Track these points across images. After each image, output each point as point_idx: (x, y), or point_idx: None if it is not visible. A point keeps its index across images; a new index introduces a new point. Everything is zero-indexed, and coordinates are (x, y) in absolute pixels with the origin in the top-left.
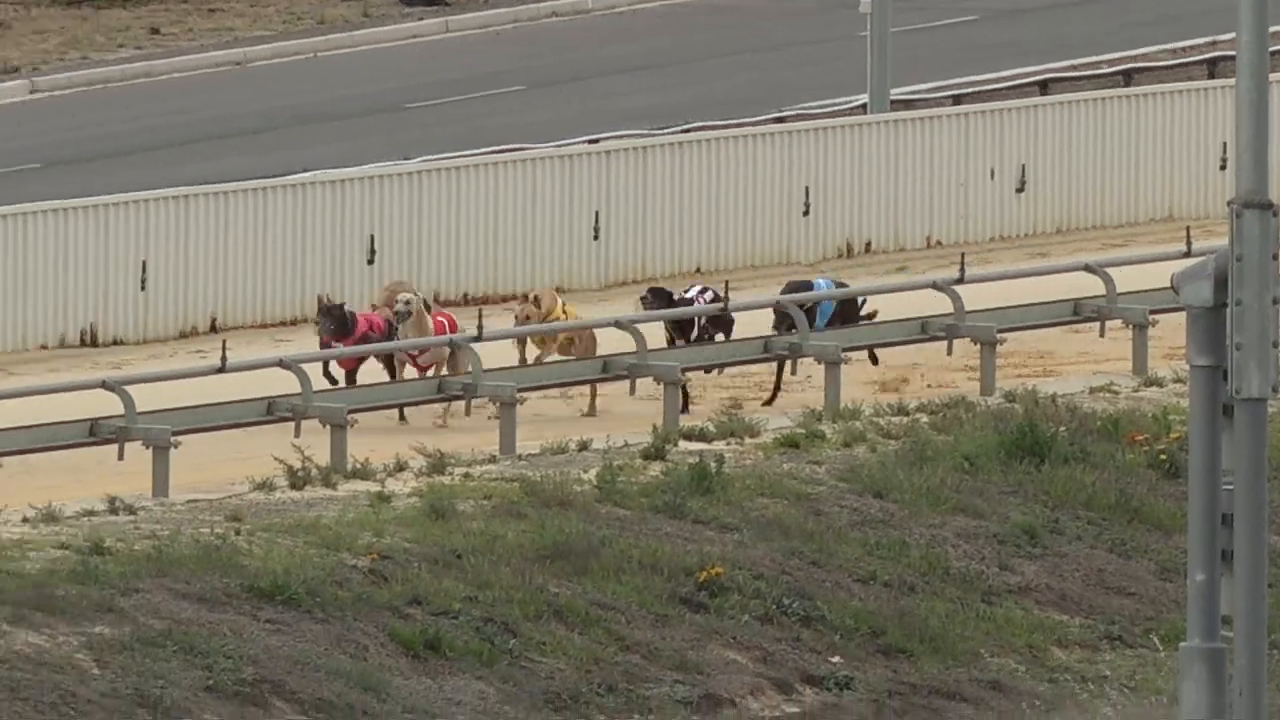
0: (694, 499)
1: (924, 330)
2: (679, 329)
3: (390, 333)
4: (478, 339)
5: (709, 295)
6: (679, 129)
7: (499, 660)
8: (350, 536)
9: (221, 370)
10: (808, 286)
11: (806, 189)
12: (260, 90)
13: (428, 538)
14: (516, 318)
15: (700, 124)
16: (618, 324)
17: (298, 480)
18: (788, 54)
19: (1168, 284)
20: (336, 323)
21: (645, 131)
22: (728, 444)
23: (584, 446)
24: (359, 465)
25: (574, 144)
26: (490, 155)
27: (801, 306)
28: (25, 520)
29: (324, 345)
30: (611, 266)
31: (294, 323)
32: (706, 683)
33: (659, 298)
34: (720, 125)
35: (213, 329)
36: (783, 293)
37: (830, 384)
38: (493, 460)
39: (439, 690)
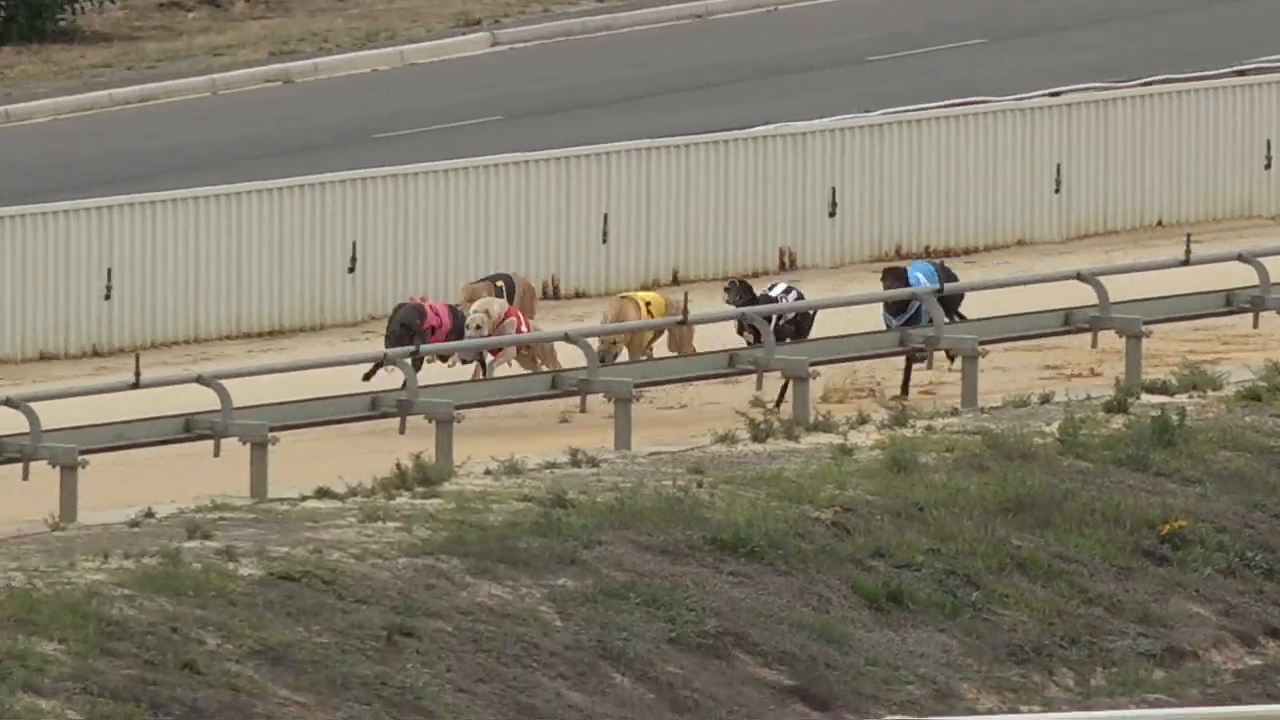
0: (1156, 452)
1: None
2: (752, 327)
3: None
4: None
5: (793, 295)
6: (1140, 82)
7: (961, 613)
8: (813, 489)
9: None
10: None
11: (1268, 142)
12: (720, 43)
13: (890, 490)
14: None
15: (1161, 77)
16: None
17: (760, 433)
18: (1246, 6)
19: None
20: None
21: (1107, 85)
22: (1189, 397)
23: (1046, 400)
24: (821, 419)
25: (1035, 97)
26: (950, 108)
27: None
28: (488, 473)
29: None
30: (1074, 220)
31: (755, 275)
32: (1169, 635)
33: (743, 292)
34: (1181, 79)
35: (674, 281)
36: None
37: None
38: (954, 413)
39: (901, 642)
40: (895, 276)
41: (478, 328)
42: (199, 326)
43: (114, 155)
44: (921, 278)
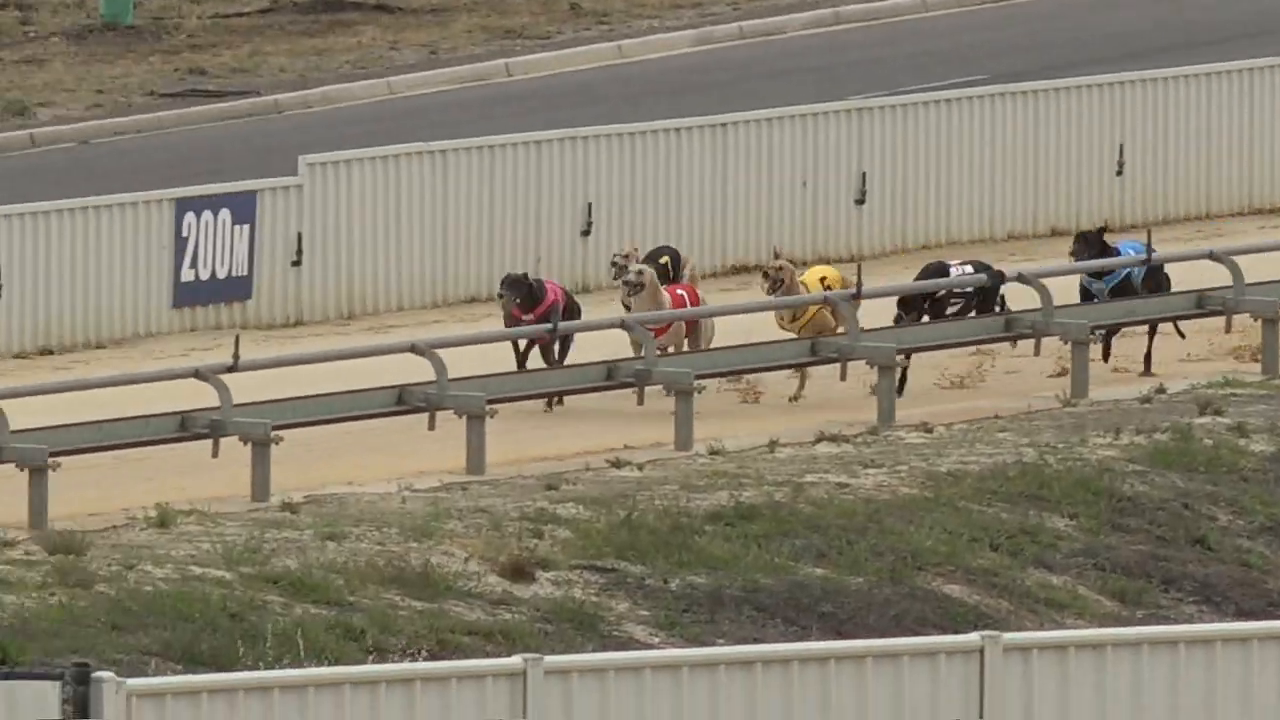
0: None
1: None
2: (907, 306)
3: (571, 305)
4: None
5: (968, 269)
6: None
7: None
8: None
9: None
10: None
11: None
12: None
13: None
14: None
15: None
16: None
17: None
18: None
19: None
20: (523, 294)
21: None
22: None
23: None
24: None
25: None
26: None
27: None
28: None
29: (512, 318)
30: None
31: None
32: None
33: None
34: None
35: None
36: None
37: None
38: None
39: None
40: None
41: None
42: (1209, 203)
43: (1124, 30)
44: (1131, 252)
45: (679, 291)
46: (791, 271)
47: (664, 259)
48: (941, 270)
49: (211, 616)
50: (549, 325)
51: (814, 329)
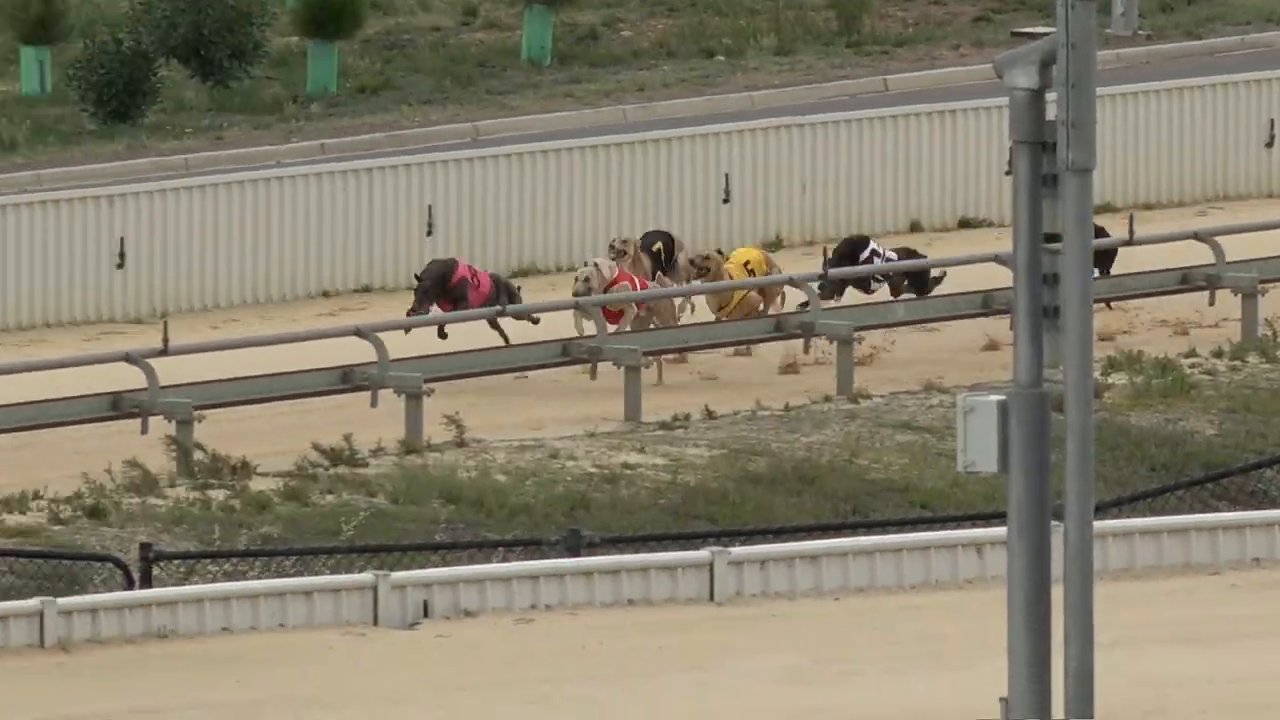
0: None
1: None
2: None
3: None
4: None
5: (892, 254)
6: None
7: None
8: None
9: None
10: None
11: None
12: None
13: None
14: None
15: None
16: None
17: None
18: None
19: None
20: (434, 280)
21: None
22: None
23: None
24: None
25: None
26: None
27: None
28: None
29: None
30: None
31: None
32: None
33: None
34: None
35: None
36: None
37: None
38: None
39: None
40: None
41: (585, 280)
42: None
43: None
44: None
45: (622, 282)
46: (719, 261)
47: (657, 245)
48: (859, 246)
49: None
50: (498, 307)
51: (742, 312)
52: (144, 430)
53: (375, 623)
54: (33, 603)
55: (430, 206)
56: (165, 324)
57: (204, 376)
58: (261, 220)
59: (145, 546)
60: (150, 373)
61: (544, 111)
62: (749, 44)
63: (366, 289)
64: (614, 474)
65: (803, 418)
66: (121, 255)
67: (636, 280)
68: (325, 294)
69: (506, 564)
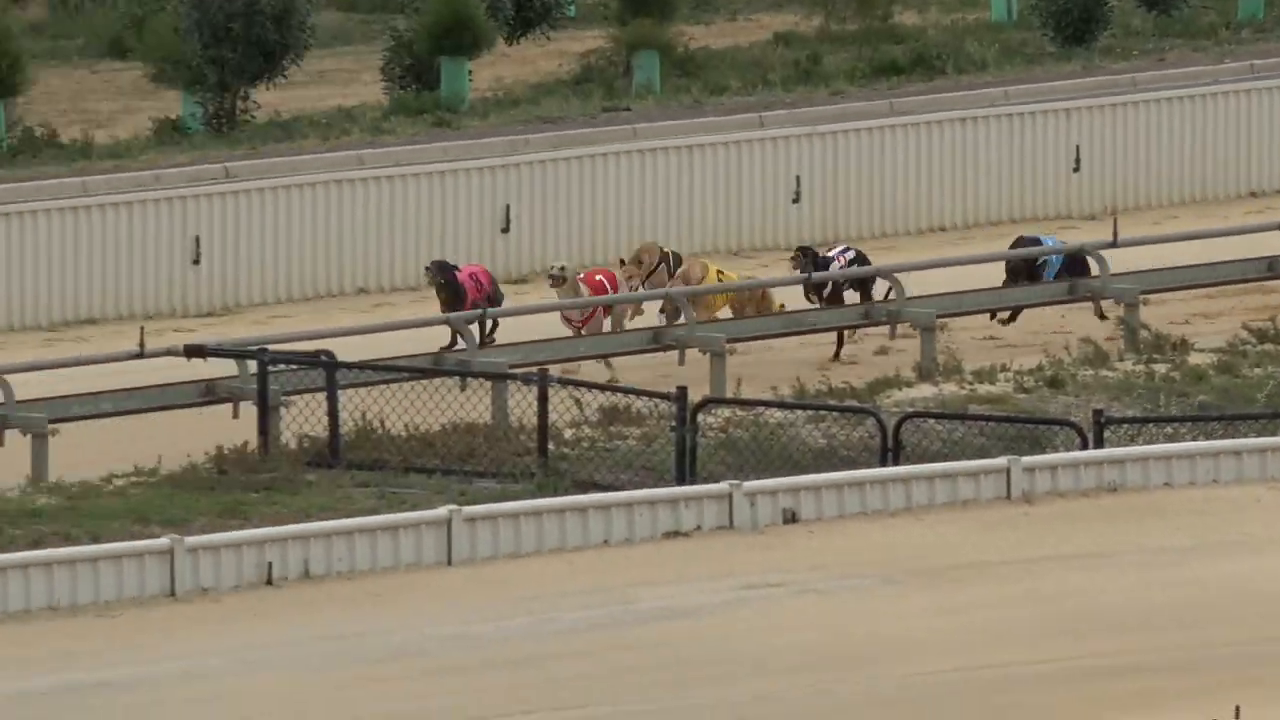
0: None
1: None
2: (816, 289)
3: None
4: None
5: (850, 255)
6: None
7: None
8: None
9: None
10: (1036, 242)
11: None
12: None
13: None
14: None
15: None
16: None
17: None
18: None
19: None
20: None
21: None
22: None
23: None
24: None
25: None
26: None
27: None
28: None
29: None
30: None
31: None
32: None
33: (806, 256)
34: None
35: None
36: (1011, 247)
37: None
38: None
39: None
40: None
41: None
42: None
43: None
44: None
45: (598, 277)
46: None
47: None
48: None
49: None
50: (479, 311)
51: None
52: (1099, 314)
53: None
54: (1001, 461)
55: None
56: (1115, 219)
57: (1144, 266)
58: (1199, 128)
59: (1098, 412)
60: (1103, 262)
61: None
62: None
63: None
64: None
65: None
66: (1077, 161)
67: (606, 279)
68: (1252, 194)
69: None
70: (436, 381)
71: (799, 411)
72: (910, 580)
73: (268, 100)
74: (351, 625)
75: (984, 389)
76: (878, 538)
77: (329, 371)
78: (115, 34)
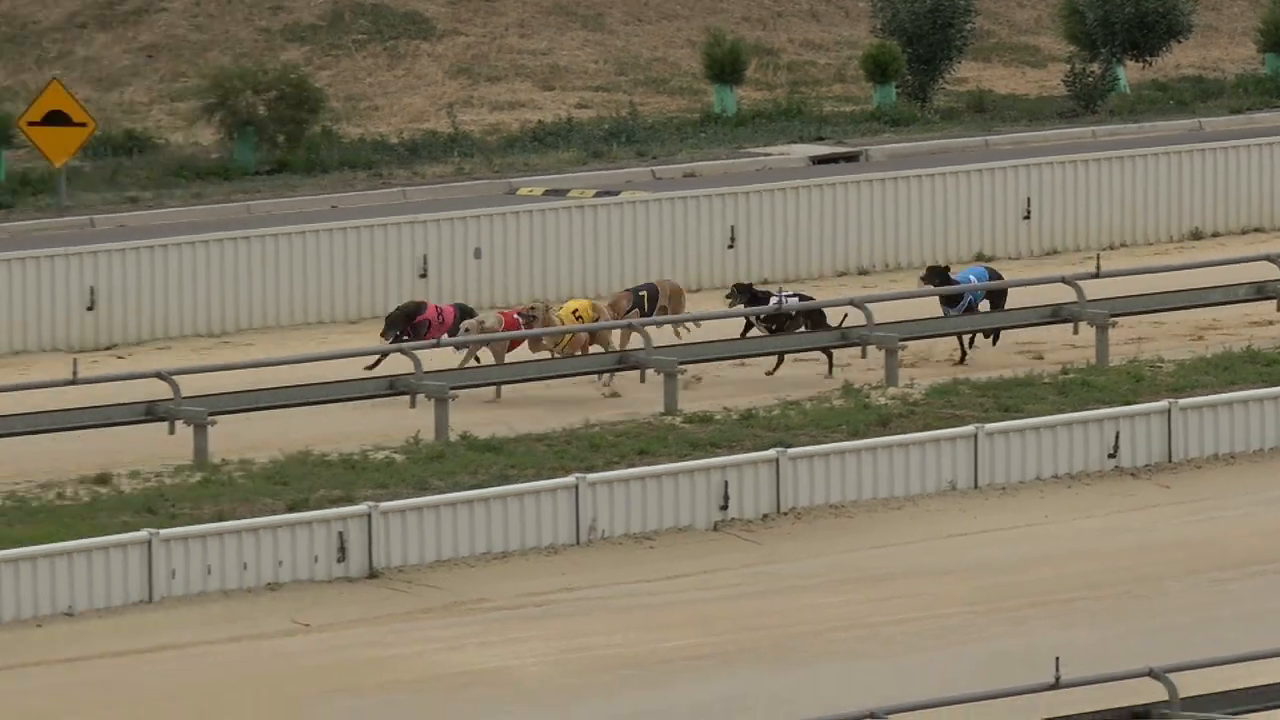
0: None
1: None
2: (769, 324)
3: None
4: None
5: (793, 298)
6: None
7: None
8: None
9: None
10: (947, 271)
11: None
12: None
13: None
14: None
15: None
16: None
17: None
18: None
19: None
20: (403, 318)
21: None
22: None
23: None
24: None
25: None
26: None
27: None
28: None
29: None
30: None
31: None
32: None
33: (743, 293)
34: None
35: None
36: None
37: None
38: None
39: None
40: (939, 275)
41: (466, 331)
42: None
43: None
44: (973, 278)
45: (515, 316)
46: (545, 307)
47: (643, 292)
48: (753, 294)
49: None
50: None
51: (570, 351)
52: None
53: None
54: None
55: None
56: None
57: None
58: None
59: None
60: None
61: None
62: None
63: None
64: None
65: None
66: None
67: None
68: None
69: None
70: None
71: None
72: None
73: None
74: None
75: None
76: None
77: None
78: None
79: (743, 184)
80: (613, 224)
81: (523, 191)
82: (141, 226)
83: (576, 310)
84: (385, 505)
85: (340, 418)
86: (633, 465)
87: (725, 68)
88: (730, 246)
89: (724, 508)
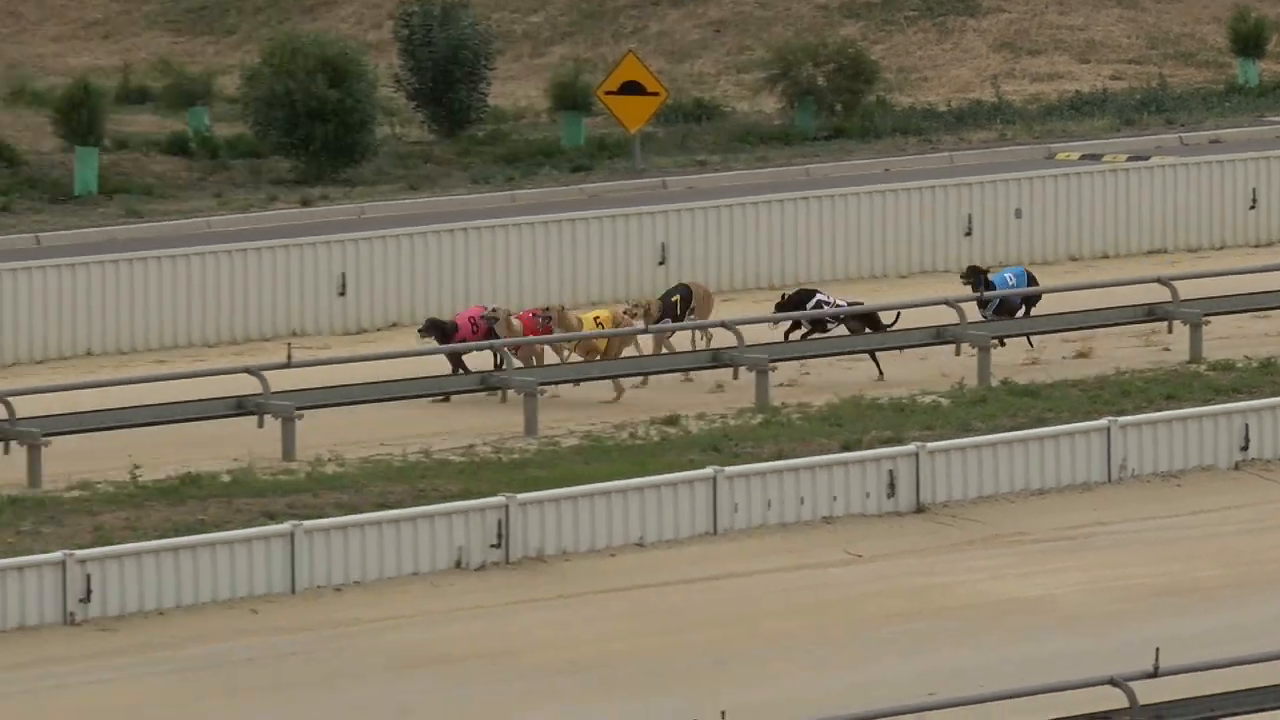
0: None
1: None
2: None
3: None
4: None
5: (824, 300)
6: None
7: None
8: None
9: None
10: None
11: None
12: None
13: None
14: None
15: None
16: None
17: None
18: None
19: None
20: (438, 331)
21: None
22: None
23: None
24: None
25: None
26: None
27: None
28: None
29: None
30: None
31: None
32: None
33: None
34: None
35: None
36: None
37: None
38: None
39: None
40: (976, 275)
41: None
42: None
43: None
44: (1010, 277)
45: (526, 316)
46: (560, 309)
47: (675, 296)
48: (807, 296)
49: None
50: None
51: (584, 352)
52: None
53: None
54: None
55: None
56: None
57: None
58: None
59: None
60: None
61: None
62: None
63: None
64: None
65: None
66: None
67: (523, 322)
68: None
69: None
70: None
71: None
72: None
73: None
74: None
75: None
76: None
77: None
78: None
79: (1266, 149)
80: (1143, 186)
81: (1061, 156)
82: (710, 188)
83: (598, 317)
84: (932, 445)
85: (896, 363)
86: (1160, 409)
87: (1249, 42)
88: (1252, 208)
89: (1244, 448)
